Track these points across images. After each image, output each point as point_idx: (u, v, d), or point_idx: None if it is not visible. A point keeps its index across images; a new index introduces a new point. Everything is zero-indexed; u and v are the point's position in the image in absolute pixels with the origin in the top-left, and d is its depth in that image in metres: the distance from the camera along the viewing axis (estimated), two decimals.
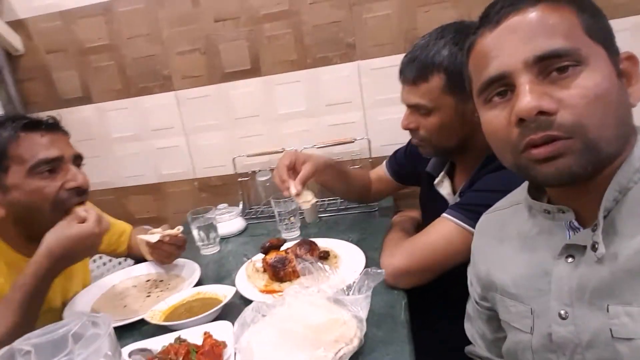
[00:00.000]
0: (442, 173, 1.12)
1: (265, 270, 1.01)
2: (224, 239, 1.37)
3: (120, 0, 1.58)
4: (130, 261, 1.44)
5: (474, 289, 0.74)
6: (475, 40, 0.57)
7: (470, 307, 0.78)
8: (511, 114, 0.52)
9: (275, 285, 0.97)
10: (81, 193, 0.93)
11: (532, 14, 0.51)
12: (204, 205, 1.71)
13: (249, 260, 1.11)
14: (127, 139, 1.74)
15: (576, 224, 0.56)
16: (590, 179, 0.52)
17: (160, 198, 1.81)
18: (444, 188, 1.11)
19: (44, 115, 0.95)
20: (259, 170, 1.62)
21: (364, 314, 0.69)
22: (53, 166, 0.89)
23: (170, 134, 1.71)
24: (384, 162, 1.34)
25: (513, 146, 0.53)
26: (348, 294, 0.74)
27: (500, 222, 0.69)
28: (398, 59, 1.42)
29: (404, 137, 1.49)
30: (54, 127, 0.93)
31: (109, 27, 1.62)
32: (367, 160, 1.57)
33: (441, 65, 0.89)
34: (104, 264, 1.48)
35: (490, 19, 0.54)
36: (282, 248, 1.06)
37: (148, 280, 1.15)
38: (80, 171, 0.94)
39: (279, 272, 0.97)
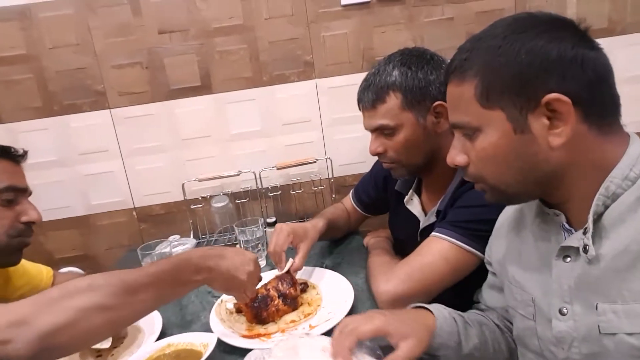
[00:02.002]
0: (410, 191, 1.12)
1: (239, 311, 0.89)
2: None
3: (41, 4, 1.37)
4: None
5: (490, 267, 0.80)
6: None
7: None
8: None
9: (260, 328, 0.85)
10: (31, 230, 0.94)
11: (449, 89, 0.63)
12: (143, 238, 1.53)
13: (219, 301, 0.98)
14: (46, 165, 1.48)
15: (567, 226, 0.61)
16: (540, 197, 0.63)
17: (87, 232, 1.55)
18: (414, 206, 1.11)
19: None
20: (213, 196, 1.48)
21: None
22: (15, 196, 0.90)
23: (102, 158, 1.49)
24: (350, 194, 1.32)
25: None
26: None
27: (519, 213, 0.72)
28: (356, 77, 1.46)
29: (363, 157, 1.51)
30: (23, 159, 0.95)
31: (26, 34, 1.38)
32: (327, 180, 1.52)
33: (394, 84, 0.94)
34: None
35: (445, 78, 0.65)
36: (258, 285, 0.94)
37: None
38: (34, 206, 0.94)
39: (262, 314, 0.85)
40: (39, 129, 1.45)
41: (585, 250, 0.55)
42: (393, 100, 0.94)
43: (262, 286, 0.90)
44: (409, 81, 0.93)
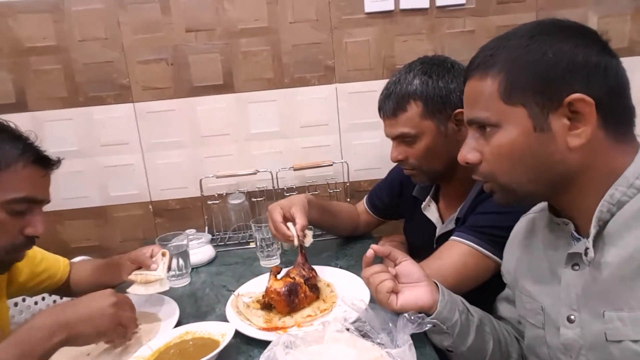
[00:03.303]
0: (428, 197, 1.13)
1: (265, 305, 0.90)
2: (194, 269, 1.22)
3: None
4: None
5: (504, 279, 0.81)
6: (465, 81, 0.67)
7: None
8: None
9: (277, 322, 0.86)
10: (32, 243, 0.84)
11: (469, 84, 0.64)
12: (158, 232, 1.55)
13: (235, 294, 0.99)
14: (68, 154, 1.48)
15: (576, 234, 0.62)
16: (548, 200, 0.65)
17: (103, 224, 1.58)
18: (432, 213, 1.12)
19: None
20: (229, 193, 1.50)
21: None
22: (29, 207, 0.80)
23: (123, 151, 1.52)
24: (364, 199, 1.34)
25: None
26: (393, 344, 0.66)
27: (531, 224, 0.74)
28: (376, 84, 1.48)
29: (379, 163, 1.52)
30: (55, 167, 0.85)
31: (57, 26, 1.42)
32: (342, 184, 1.53)
33: (415, 93, 0.95)
34: (36, 302, 1.22)
35: (465, 74, 0.66)
36: (279, 276, 0.96)
37: None
38: (43, 218, 0.83)
39: (294, 301, 0.87)
40: (64, 118, 1.48)
41: (586, 254, 0.56)
42: (414, 109, 0.96)
43: (285, 276, 0.91)
44: (429, 90, 0.95)
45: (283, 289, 0.86)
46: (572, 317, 0.60)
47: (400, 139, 1.00)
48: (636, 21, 1.45)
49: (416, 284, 0.75)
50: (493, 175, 0.63)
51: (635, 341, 0.53)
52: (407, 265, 0.77)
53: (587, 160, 0.57)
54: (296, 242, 1.00)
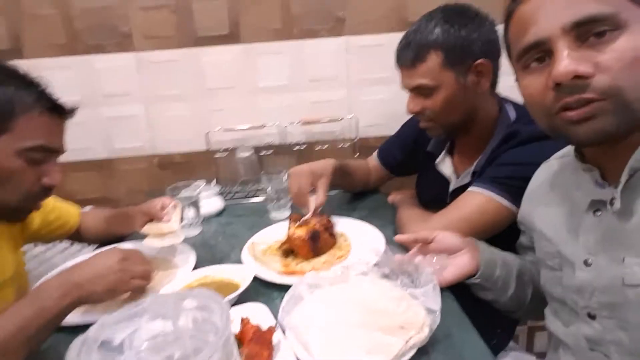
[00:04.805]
0: (443, 152, 1.12)
1: (284, 252, 0.91)
2: (204, 220, 1.22)
3: None
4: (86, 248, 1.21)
5: (522, 226, 0.80)
6: (515, 7, 0.58)
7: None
8: (548, 78, 0.54)
9: (295, 266, 0.88)
10: (48, 193, 0.83)
11: None
12: (163, 184, 1.53)
13: (250, 242, 1.00)
14: (68, 103, 1.46)
15: (600, 181, 0.60)
16: (622, 140, 0.55)
17: (108, 176, 1.56)
18: (446, 167, 1.11)
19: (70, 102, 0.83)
20: (236, 148, 1.48)
21: (436, 305, 0.64)
22: (46, 156, 0.79)
23: (125, 102, 1.48)
24: (375, 153, 1.33)
25: (547, 109, 0.55)
26: (416, 286, 0.68)
27: (555, 169, 0.72)
28: (387, 37, 1.44)
29: (387, 119, 1.51)
30: (70, 116, 0.84)
31: None
32: (351, 140, 1.52)
33: (436, 42, 0.91)
34: (65, 249, 1.22)
35: None
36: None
37: None
38: (59, 169, 0.82)
39: (318, 244, 0.89)
40: (62, 66, 1.42)
41: (612, 203, 0.56)
42: (434, 60, 0.92)
43: (305, 225, 0.92)
44: (450, 39, 0.91)
45: (307, 235, 0.87)
46: (589, 260, 0.60)
47: (417, 91, 0.97)
48: None
49: (457, 255, 0.76)
50: (617, 88, 0.50)
51: None
52: (443, 239, 0.78)
53: None
54: (308, 216, 1.00)
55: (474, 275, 0.75)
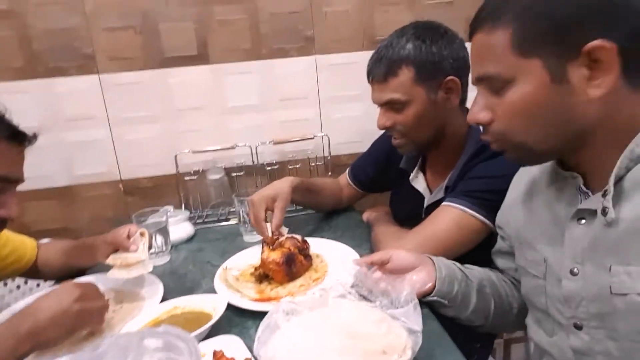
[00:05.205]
0: (415, 168, 1.12)
1: (259, 277, 0.87)
2: (173, 247, 1.16)
3: None
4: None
5: (501, 231, 0.80)
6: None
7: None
8: None
9: (270, 292, 0.84)
10: (5, 223, 0.79)
11: (476, 38, 0.60)
12: (130, 210, 1.47)
13: (223, 267, 0.95)
14: (27, 131, 1.38)
15: (584, 188, 0.60)
16: (565, 156, 0.61)
17: (69, 204, 1.48)
18: (419, 183, 1.11)
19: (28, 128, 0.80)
20: (206, 170, 1.44)
21: (418, 325, 0.61)
22: (3, 187, 0.75)
23: (89, 125, 1.42)
24: (347, 172, 1.32)
25: None
26: (395, 306, 0.65)
27: (533, 175, 0.72)
28: (356, 55, 1.46)
29: (359, 136, 1.51)
30: (30, 143, 0.81)
31: None
32: (323, 158, 1.51)
33: (407, 58, 0.92)
34: (18, 287, 1.13)
35: (470, 28, 0.62)
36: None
37: None
38: (16, 200, 0.78)
39: (292, 269, 0.85)
40: (20, 91, 1.35)
41: (605, 213, 0.54)
42: (405, 74, 0.93)
43: (279, 247, 0.88)
44: (422, 55, 0.92)
45: (282, 259, 0.83)
46: (575, 269, 0.59)
47: (388, 105, 0.97)
48: None
49: (412, 273, 0.75)
50: (506, 134, 0.59)
51: None
52: (397, 258, 0.76)
53: (606, 113, 0.54)
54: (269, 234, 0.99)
55: (431, 293, 0.74)
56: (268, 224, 1.00)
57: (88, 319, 0.72)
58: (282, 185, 1.07)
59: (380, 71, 0.95)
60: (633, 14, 0.52)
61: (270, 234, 0.98)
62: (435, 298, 0.73)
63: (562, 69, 0.53)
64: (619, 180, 0.55)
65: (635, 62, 0.52)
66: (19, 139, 0.77)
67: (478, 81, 0.61)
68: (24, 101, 1.36)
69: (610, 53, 0.51)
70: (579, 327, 0.60)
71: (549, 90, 0.55)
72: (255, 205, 1.03)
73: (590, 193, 0.59)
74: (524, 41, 0.55)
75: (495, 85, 0.58)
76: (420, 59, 0.92)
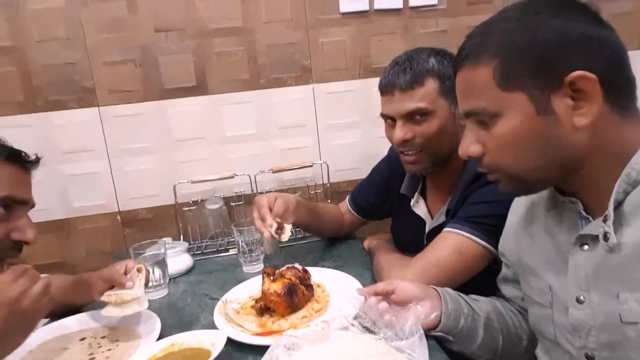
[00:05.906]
0: (416, 193, 1.11)
1: (260, 309, 0.85)
2: (171, 280, 1.14)
3: None
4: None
5: (504, 259, 0.79)
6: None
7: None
8: None
9: (272, 325, 0.81)
10: (20, 248, 0.80)
11: (460, 75, 0.61)
12: (127, 244, 1.45)
13: (222, 300, 0.93)
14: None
15: (584, 214, 0.60)
16: (561, 183, 0.61)
17: (66, 237, 1.46)
18: (420, 208, 1.10)
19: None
20: (204, 200, 1.43)
21: (424, 357, 0.59)
22: (13, 209, 0.76)
23: (87, 158, 1.42)
24: (347, 199, 1.31)
25: None
26: (400, 338, 0.63)
27: (532, 202, 0.71)
28: (353, 84, 1.48)
29: (358, 163, 1.51)
30: (34, 166, 0.82)
31: (11, 25, 1.31)
32: (322, 186, 1.50)
33: (433, 69, 0.93)
34: None
35: (454, 66, 0.63)
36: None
37: (83, 339, 0.88)
38: (32, 224, 0.79)
39: (294, 300, 0.83)
40: (20, 125, 1.36)
41: (606, 239, 0.54)
42: (431, 85, 0.92)
43: (280, 278, 0.86)
44: (445, 69, 0.92)
45: (283, 290, 0.81)
46: (582, 297, 0.58)
47: (409, 117, 0.94)
48: None
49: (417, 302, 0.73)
50: (499, 166, 0.60)
51: None
52: (402, 289, 0.74)
53: (595, 139, 0.55)
54: (267, 234, 0.98)
55: (435, 327, 0.71)
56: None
57: (27, 310, 0.67)
58: (288, 194, 1.09)
59: (407, 79, 0.92)
60: (607, 46, 0.54)
61: (270, 235, 0.97)
62: (440, 333, 0.71)
63: (547, 100, 0.54)
64: (618, 204, 0.54)
65: (616, 89, 0.54)
66: (20, 159, 0.78)
67: (466, 116, 0.62)
68: (25, 135, 1.36)
69: (592, 82, 0.52)
70: (590, 358, 0.58)
71: (535, 122, 0.55)
72: (257, 201, 1.04)
73: (591, 218, 0.59)
74: (507, 76, 0.55)
75: (483, 119, 0.59)
76: (444, 72, 0.92)
